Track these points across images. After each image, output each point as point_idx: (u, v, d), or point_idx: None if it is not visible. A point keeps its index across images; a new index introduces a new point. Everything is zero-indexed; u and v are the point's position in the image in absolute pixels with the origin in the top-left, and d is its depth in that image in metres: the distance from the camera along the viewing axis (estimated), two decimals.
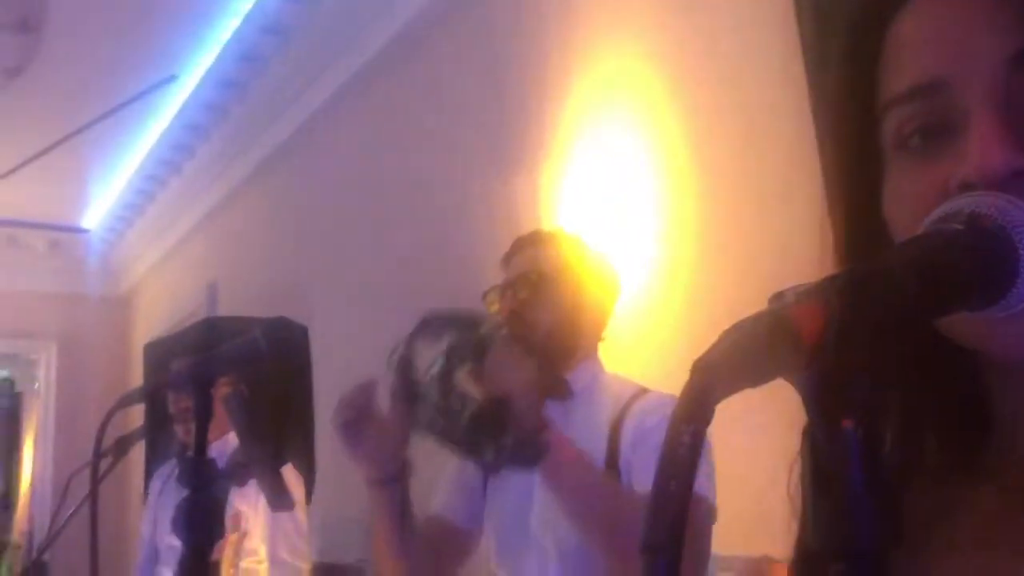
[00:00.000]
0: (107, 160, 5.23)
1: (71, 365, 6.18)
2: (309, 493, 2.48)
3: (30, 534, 5.82)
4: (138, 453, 2.93)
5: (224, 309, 4.59)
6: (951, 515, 0.48)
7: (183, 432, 2.31)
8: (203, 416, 1.20)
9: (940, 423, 0.49)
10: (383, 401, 1.33)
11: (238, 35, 3.98)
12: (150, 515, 2.61)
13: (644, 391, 1.48)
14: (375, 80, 3.54)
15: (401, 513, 1.39)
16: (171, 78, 4.37)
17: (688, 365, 0.33)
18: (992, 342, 0.44)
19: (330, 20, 3.62)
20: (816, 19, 1.69)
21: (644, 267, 2.16)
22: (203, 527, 1.11)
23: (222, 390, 1.47)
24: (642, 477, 1.34)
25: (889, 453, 0.45)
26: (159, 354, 3.62)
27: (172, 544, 2.22)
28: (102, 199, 5.81)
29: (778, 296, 0.35)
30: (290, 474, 2.26)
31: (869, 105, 0.50)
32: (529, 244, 1.60)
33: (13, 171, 4.96)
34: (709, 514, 1.32)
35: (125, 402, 1.27)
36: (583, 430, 1.42)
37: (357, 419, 1.33)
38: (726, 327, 0.34)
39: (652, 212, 2.22)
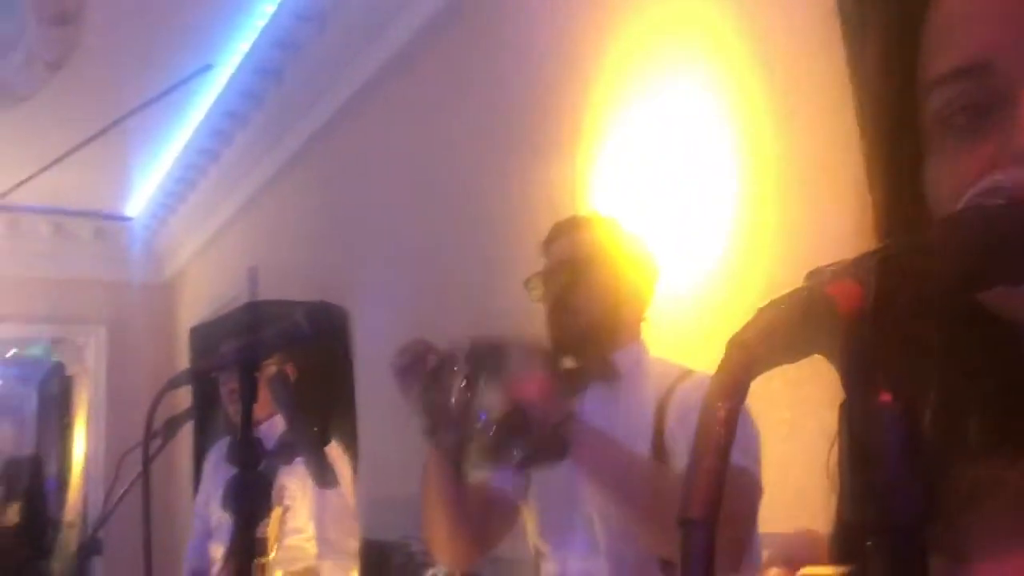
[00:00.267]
0: (148, 149, 5.31)
1: (119, 349, 6.31)
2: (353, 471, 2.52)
3: (84, 513, 5.98)
4: (186, 433, 3.00)
5: (265, 293, 4.65)
6: (991, 491, 0.47)
7: (234, 412, 2.36)
8: (248, 397, 1.23)
9: (982, 398, 0.48)
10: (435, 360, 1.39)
11: (274, 22, 4.01)
12: (203, 491, 2.67)
13: (689, 372, 1.49)
14: (411, 64, 3.54)
15: (456, 469, 1.43)
16: (208, 67, 4.42)
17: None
18: None
19: (364, 5, 3.63)
20: None
21: (683, 249, 2.15)
22: (251, 504, 1.15)
23: (267, 372, 1.50)
24: (685, 451, 1.34)
25: (929, 428, 0.45)
26: (204, 337, 3.69)
27: (223, 519, 2.27)
28: (144, 187, 5.91)
29: (815, 272, 0.35)
30: (337, 452, 2.30)
31: (910, 82, 0.49)
32: (568, 230, 1.62)
33: (57, 162, 5.06)
34: (753, 487, 1.31)
35: (173, 384, 1.30)
36: (630, 411, 1.43)
37: (413, 365, 1.38)
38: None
39: (685, 193, 2.21)
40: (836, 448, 0.34)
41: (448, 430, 1.28)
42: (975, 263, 0.37)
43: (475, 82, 3.16)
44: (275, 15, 3.96)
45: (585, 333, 1.50)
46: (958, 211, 0.41)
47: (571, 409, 1.32)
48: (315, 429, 1.35)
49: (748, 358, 0.32)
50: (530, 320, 1.68)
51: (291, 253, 4.69)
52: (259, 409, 1.25)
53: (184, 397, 2.42)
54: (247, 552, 1.21)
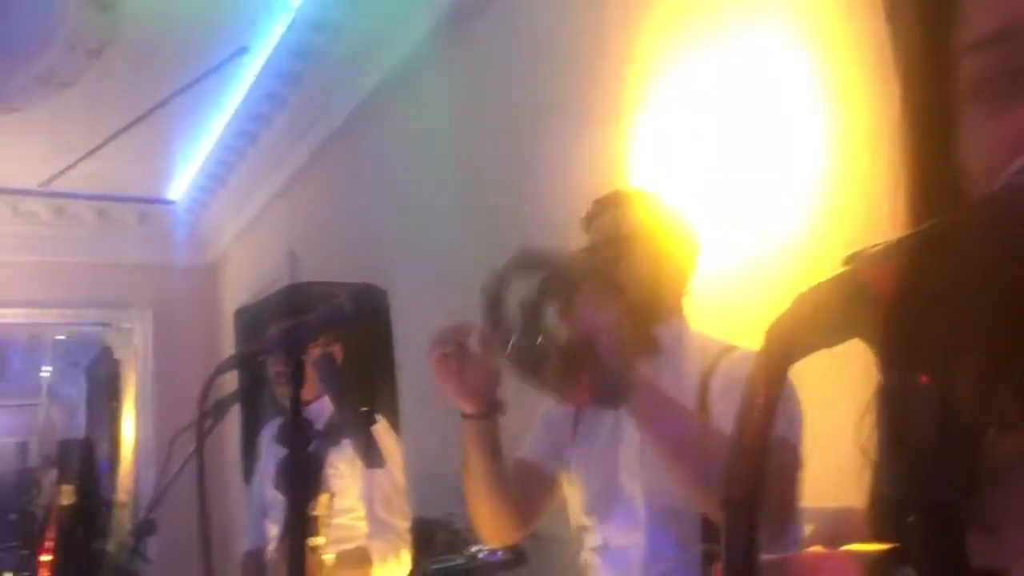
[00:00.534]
0: (188, 133, 5.38)
1: (165, 332, 6.43)
2: None
3: (136, 493, 6.13)
4: (233, 415, 3.05)
5: (305, 274, 4.70)
6: (1022, 465, 0.47)
7: (281, 394, 2.39)
8: (297, 379, 1.26)
9: (1017, 374, 0.48)
10: (476, 342, 1.38)
11: (309, 3, 4.02)
12: (259, 471, 2.71)
13: (732, 347, 1.50)
14: (449, 41, 3.52)
15: (493, 447, 1.45)
16: (244, 49, 4.45)
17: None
18: None
19: None
20: None
21: (724, 223, 2.13)
22: (301, 485, 1.17)
23: (313, 354, 1.53)
24: (728, 425, 1.34)
25: (965, 405, 0.45)
26: (249, 319, 3.75)
27: (276, 499, 2.32)
28: (185, 171, 5.99)
29: (855, 256, 0.35)
30: (386, 432, 2.33)
31: (944, 48, 0.48)
32: (610, 206, 1.62)
33: (99, 148, 5.14)
34: (795, 461, 1.31)
35: (224, 368, 1.34)
36: (673, 385, 1.44)
37: (452, 353, 1.38)
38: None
39: (729, 166, 2.19)
40: (867, 424, 0.35)
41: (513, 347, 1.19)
42: (1015, 243, 0.37)
43: (515, 58, 3.14)
44: None
45: (629, 308, 1.48)
46: (997, 190, 0.41)
47: (633, 356, 1.27)
48: (362, 409, 1.37)
49: (787, 345, 0.33)
50: None
51: (331, 234, 4.72)
52: (306, 391, 1.28)
53: (231, 379, 2.46)
54: (300, 532, 1.24)
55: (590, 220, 1.63)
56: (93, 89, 4.60)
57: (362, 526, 2.27)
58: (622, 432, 1.50)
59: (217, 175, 5.85)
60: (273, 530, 2.41)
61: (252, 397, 2.82)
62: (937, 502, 0.32)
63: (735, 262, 2.09)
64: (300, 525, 1.22)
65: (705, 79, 2.26)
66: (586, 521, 1.55)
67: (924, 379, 0.33)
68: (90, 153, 5.23)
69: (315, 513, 1.27)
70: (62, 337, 7.76)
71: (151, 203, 6.41)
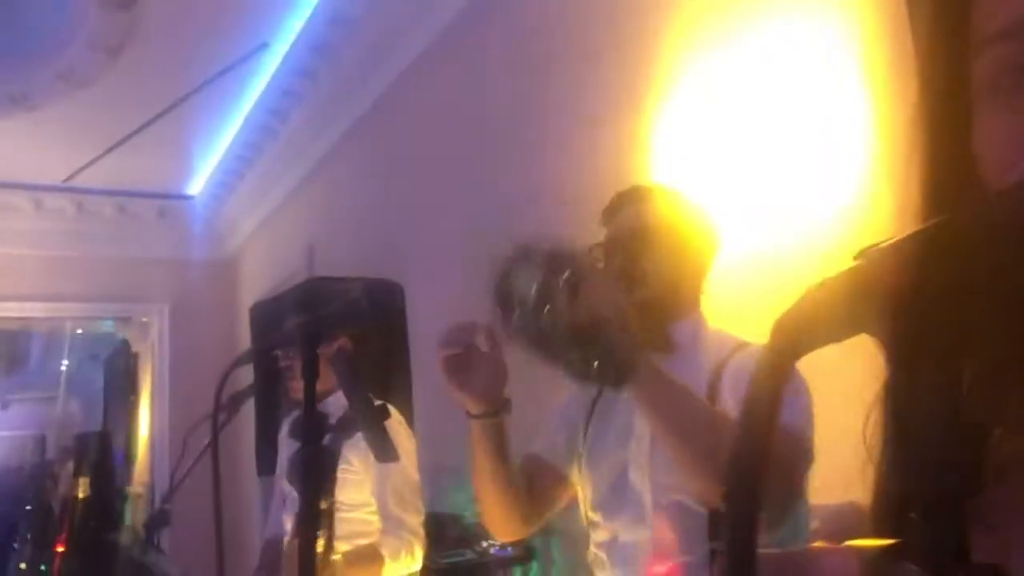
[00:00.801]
0: (207, 128, 5.41)
1: (182, 326, 6.47)
2: None
3: (151, 485, 6.17)
4: (248, 409, 3.07)
5: (323, 269, 4.72)
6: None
7: (294, 388, 2.40)
8: (311, 374, 1.27)
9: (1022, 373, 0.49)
10: (483, 342, 1.40)
11: (325, 1, 4.04)
12: (279, 463, 2.72)
13: (745, 344, 1.49)
14: (465, 35, 3.52)
15: (500, 446, 1.46)
16: (263, 46, 4.48)
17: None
18: None
19: None
20: None
21: (744, 219, 2.12)
22: (314, 478, 1.18)
23: (328, 348, 1.54)
24: (734, 411, 1.34)
25: (971, 401, 0.45)
26: (265, 314, 3.75)
27: (292, 491, 2.33)
28: (204, 166, 6.03)
29: (865, 252, 0.35)
30: (400, 426, 2.34)
31: (963, 40, 0.48)
32: (631, 200, 1.62)
33: (119, 144, 5.19)
34: (804, 453, 1.30)
35: (240, 362, 1.35)
36: (685, 379, 1.44)
37: (460, 353, 1.39)
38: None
39: (746, 163, 2.18)
40: (872, 421, 0.35)
41: (521, 318, 1.22)
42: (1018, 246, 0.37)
43: (533, 51, 3.13)
44: None
45: (647, 304, 1.50)
46: (1010, 187, 0.41)
47: (639, 342, 1.29)
48: (376, 403, 1.38)
49: (793, 338, 0.33)
50: None
51: (348, 229, 4.74)
52: (321, 384, 1.29)
53: (246, 372, 2.48)
54: (312, 525, 1.25)
55: (611, 214, 1.63)
56: (113, 87, 4.64)
57: (375, 521, 2.27)
58: (632, 428, 1.50)
59: (236, 170, 5.88)
60: (289, 522, 2.43)
61: (267, 391, 2.83)
62: (940, 498, 0.32)
63: (756, 257, 2.07)
64: (311, 518, 1.23)
65: (728, 74, 2.25)
66: (595, 516, 1.55)
67: (931, 376, 0.32)
68: (111, 149, 5.27)
69: (327, 507, 1.28)
70: (81, 331, 7.83)
71: (170, 198, 6.46)
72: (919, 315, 0.34)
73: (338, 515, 2.17)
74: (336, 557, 1.92)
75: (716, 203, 1.77)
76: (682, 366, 1.50)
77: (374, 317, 1.33)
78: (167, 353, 6.48)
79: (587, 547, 1.58)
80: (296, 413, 1.22)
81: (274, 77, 4.74)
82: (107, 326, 7.28)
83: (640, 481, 1.47)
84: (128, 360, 6.86)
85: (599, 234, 1.62)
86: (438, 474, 2.82)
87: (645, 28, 2.54)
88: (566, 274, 1.22)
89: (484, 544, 1.97)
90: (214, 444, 1.37)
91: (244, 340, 5.67)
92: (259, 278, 6.01)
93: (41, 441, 8.57)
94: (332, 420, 1.54)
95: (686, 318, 1.55)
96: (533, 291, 1.23)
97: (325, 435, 1.27)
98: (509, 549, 1.93)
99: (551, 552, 2.05)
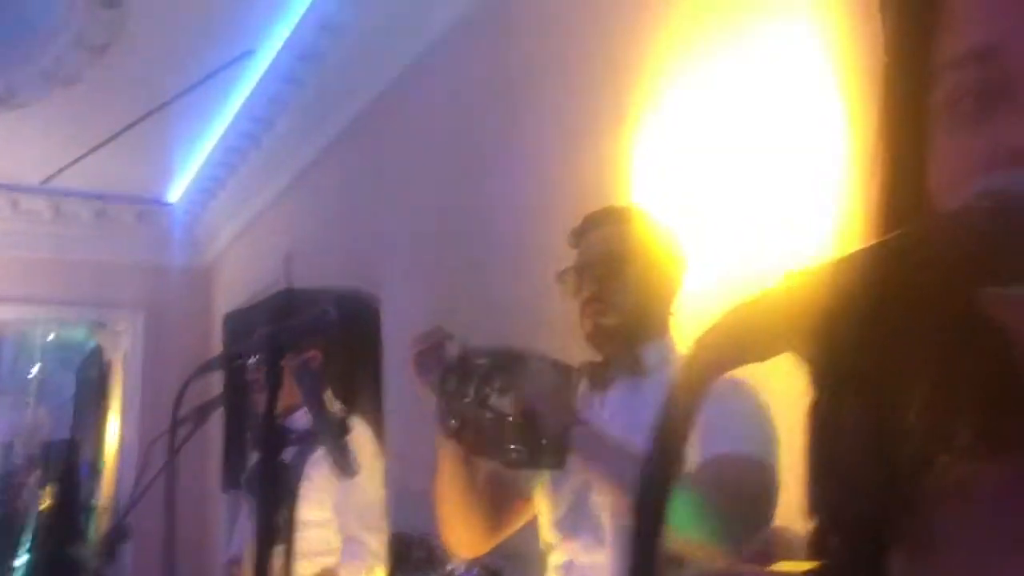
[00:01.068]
0: (190, 134, 5.37)
1: (156, 334, 6.39)
2: None
3: (116, 498, 6.07)
4: (217, 420, 3.01)
5: (301, 279, 4.68)
6: (968, 487, 0.47)
7: (257, 400, 2.35)
8: (273, 384, 1.23)
9: (972, 401, 0.47)
10: (453, 349, 1.47)
11: (314, 9, 4.03)
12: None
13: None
14: (448, 52, 3.54)
15: (465, 459, 1.47)
16: (248, 53, 4.45)
17: None
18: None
19: None
20: None
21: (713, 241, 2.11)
22: (271, 491, 1.14)
23: (293, 360, 1.50)
24: (703, 437, 1.35)
25: (913, 425, 0.44)
26: (238, 323, 3.71)
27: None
28: (185, 173, 5.98)
29: (792, 273, 0.35)
30: (366, 442, 2.29)
31: (923, 62, 0.48)
32: (602, 222, 1.62)
33: (99, 147, 5.13)
34: (768, 480, 1.31)
35: (201, 371, 1.30)
36: (654, 405, 1.41)
37: (430, 351, 1.43)
38: None
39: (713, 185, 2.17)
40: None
41: (461, 420, 1.34)
42: (963, 264, 0.37)
43: (515, 69, 3.14)
44: (314, 2, 3.98)
45: (617, 328, 1.52)
46: (946, 213, 0.41)
47: (576, 417, 1.38)
48: (337, 417, 1.35)
49: (713, 357, 0.33)
50: (556, 309, 1.67)
51: (328, 239, 4.71)
52: (288, 397, 1.25)
53: (218, 383, 2.43)
54: (267, 538, 1.21)
55: (579, 235, 1.64)
56: (97, 87, 4.59)
57: (336, 540, 2.22)
58: None
59: (217, 177, 5.84)
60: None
61: (237, 402, 2.78)
62: (859, 523, 0.31)
63: (730, 280, 2.06)
64: (268, 531, 1.19)
65: (708, 96, 2.25)
66: (553, 538, 1.55)
67: (852, 400, 0.32)
68: (92, 151, 5.22)
69: (283, 520, 1.24)
70: (53, 336, 7.72)
71: (150, 204, 6.40)
72: (842, 338, 0.34)
73: (298, 532, 2.11)
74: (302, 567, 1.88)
75: (690, 225, 1.76)
76: (651, 389, 1.49)
77: (343, 329, 1.30)
78: (139, 361, 6.39)
79: (544, 571, 1.57)
80: (257, 424, 1.19)
81: (259, 84, 4.72)
82: (80, 332, 7.19)
83: (601, 503, 1.47)
84: (100, 367, 6.77)
85: (567, 254, 1.62)
86: (408, 494, 2.77)
87: (628, 46, 2.53)
88: (504, 370, 1.35)
89: (449, 567, 1.94)
90: (170, 459, 1.32)
91: (218, 350, 5.60)
92: (236, 287, 5.95)
93: (8, 448, 8.43)
94: (295, 434, 1.50)
95: (656, 341, 1.56)
96: (473, 390, 1.36)
97: (284, 447, 1.23)
98: (475, 570, 1.89)
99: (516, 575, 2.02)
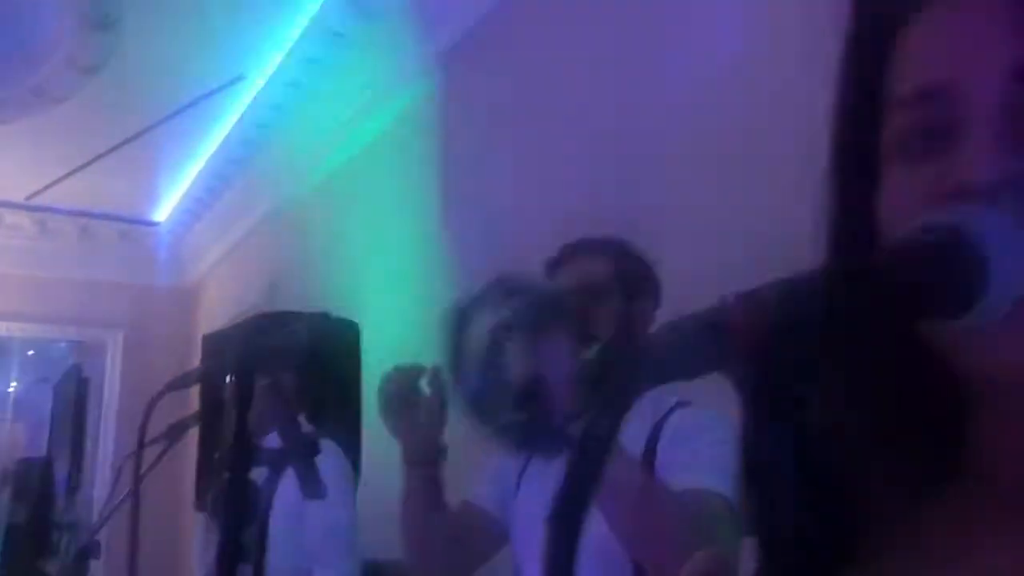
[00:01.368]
0: (177, 156, 5.39)
1: (136, 353, 6.36)
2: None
3: (91, 515, 6.00)
4: (193, 439, 3.00)
5: (285, 304, 4.67)
6: (921, 527, 0.47)
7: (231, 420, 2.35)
8: (243, 404, 1.25)
9: (917, 434, 0.48)
10: (426, 386, 1.40)
11: (305, 38, 4.07)
12: None
13: (685, 402, 1.49)
14: (437, 84, 3.58)
15: (433, 494, 1.43)
16: (239, 78, 4.49)
17: None
18: (967, 353, 0.44)
19: (392, 27, 3.69)
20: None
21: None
22: (235, 512, 1.16)
23: (264, 380, 1.51)
24: (676, 471, 1.34)
25: (856, 455, 0.45)
26: (216, 345, 3.71)
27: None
28: (172, 193, 5.98)
29: (726, 296, 0.36)
30: (339, 467, 2.28)
31: (874, 106, 0.50)
32: (580, 252, 1.61)
33: (87, 165, 5.14)
34: (719, 509, 1.27)
35: (169, 389, 1.32)
36: (624, 434, 1.43)
37: (400, 395, 1.39)
38: None
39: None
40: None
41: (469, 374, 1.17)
42: (904, 295, 0.37)
43: (495, 102, 3.19)
44: (307, 29, 4.02)
45: (592, 360, 1.51)
46: (891, 243, 0.42)
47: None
48: (306, 438, 1.36)
49: (638, 373, 0.33)
50: None
51: (311, 265, 4.72)
52: (264, 417, 1.27)
53: (193, 401, 2.43)
54: (232, 557, 1.22)
55: (556, 265, 1.62)
56: (86, 106, 4.61)
57: (306, 562, 2.20)
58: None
59: (204, 199, 5.85)
60: None
61: (213, 421, 2.77)
62: (783, 541, 0.32)
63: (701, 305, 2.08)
64: (233, 550, 1.20)
65: (679, 123, 2.29)
66: (519, 560, 1.53)
67: (780, 426, 0.32)
68: (78, 169, 5.22)
69: (248, 540, 1.25)
70: (32, 352, 7.66)
71: (135, 223, 6.40)
72: (770, 362, 0.34)
73: (269, 554, 2.11)
74: None
75: (664, 256, 1.78)
76: (624, 419, 1.49)
77: (318, 352, 1.31)
78: (118, 380, 6.35)
79: None
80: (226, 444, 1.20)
81: (249, 109, 4.75)
82: (59, 349, 7.15)
83: (596, 527, 1.46)
84: (78, 385, 6.70)
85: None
86: (382, 519, 2.76)
87: (598, 77, 2.58)
88: (521, 329, 1.17)
89: None
90: (135, 480, 1.33)
91: None
92: (218, 310, 5.94)
93: None
94: (264, 453, 1.51)
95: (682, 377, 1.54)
96: (482, 347, 1.17)
97: (251, 466, 1.24)
98: None
99: None
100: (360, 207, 4.22)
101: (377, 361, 3.63)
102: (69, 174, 5.28)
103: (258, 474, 2.18)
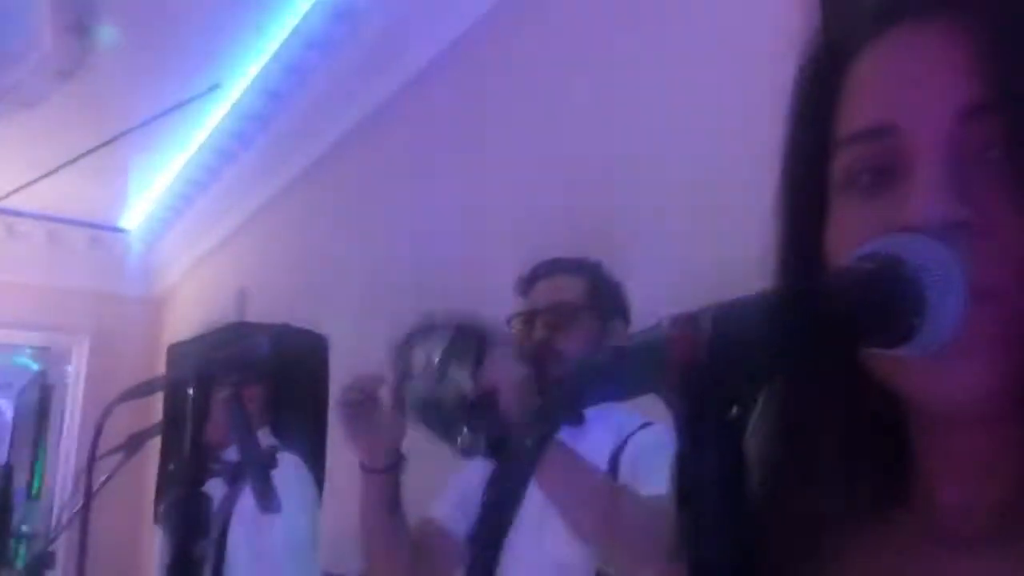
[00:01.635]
0: (150, 163, 5.35)
1: (101, 361, 6.27)
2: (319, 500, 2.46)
3: (49, 525, 5.91)
4: (154, 449, 2.97)
5: (255, 316, 4.65)
6: (864, 553, 0.48)
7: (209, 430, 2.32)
8: (199, 415, 1.23)
9: (861, 462, 0.49)
10: (386, 395, 1.39)
11: (283, 48, 4.07)
12: None
13: (649, 423, 1.50)
14: (408, 101, 3.59)
15: (391, 503, 1.44)
16: (215, 87, 4.47)
17: None
18: (906, 382, 0.44)
19: (371, 40, 3.69)
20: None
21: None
22: (186, 523, 1.14)
23: (224, 392, 1.50)
24: (646, 481, 1.34)
25: (795, 484, 0.46)
26: (181, 355, 3.68)
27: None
28: (143, 201, 5.93)
29: (667, 318, 0.36)
30: (300, 479, 2.26)
31: (823, 140, 0.51)
32: (553, 271, 1.62)
33: (58, 169, 5.09)
34: (658, 514, 1.30)
35: (123, 399, 1.30)
36: (588, 454, 1.44)
37: (360, 402, 1.39)
38: None
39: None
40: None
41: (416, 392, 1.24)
42: (842, 323, 0.38)
43: (467, 117, 3.20)
44: (286, 40, 4.02)
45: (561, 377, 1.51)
46: (831, 272, 0.42)
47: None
48: (263, 451, 1.35)
49: (567, 389, 0.34)
50: None
51: (282, 277, 4.69)
52: (225, 429, 1.25)
53: (156, 412, 2.40)
54: (182, 571, 1.20)
55: (527, 284, 1.64)
56: (59, 110, 4.57)
57: None
58: (525, 500, 1.48)
59: (175, 207, 5.81)
60: None
61: (175, 432, 2.74)
62: (708, 565, 0.32)
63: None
64: (182, 565, 1.18)
65: (650, 141, 2.30)
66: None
67: (707, 443, 0.32)
68: (49, 173, 5.16)
69: (199, 555, 1.23)
70: None
71: (105, 230, 6.33)
72: (702, 385, 0.34)
73: (227, 569, 2.09)
74: None
75: (634, 275, 1.79)
76: (589, 438, 1.50)
77: (284, 365, 1.30)
78: (82, 388, 6.27)
79: None
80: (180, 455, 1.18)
81: (224, 119, 4.73)
82: (23, 355, 7.04)
83: (531, 547, 1.46)
84: (42, 392, 6.62)
85: (516, 304, 1.63)
86: (348, 535, 2.74)
87: (571, 97, 2.59)
88: (471, 346, 1.24)
89: None
90: (87, 491, 1.31)
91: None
92: (186, 319, 5.89)
93: None
94: (219, 465, 1.49)
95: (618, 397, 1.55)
96: (436, 360, 1.24)
97: (206, 478, 1.23)
98: None
99: None
100: (333, 217, 4.21)
101: (347, 372, 3.62)
102: (39, 178, 5.22)
103: (217, 487, 2.16)
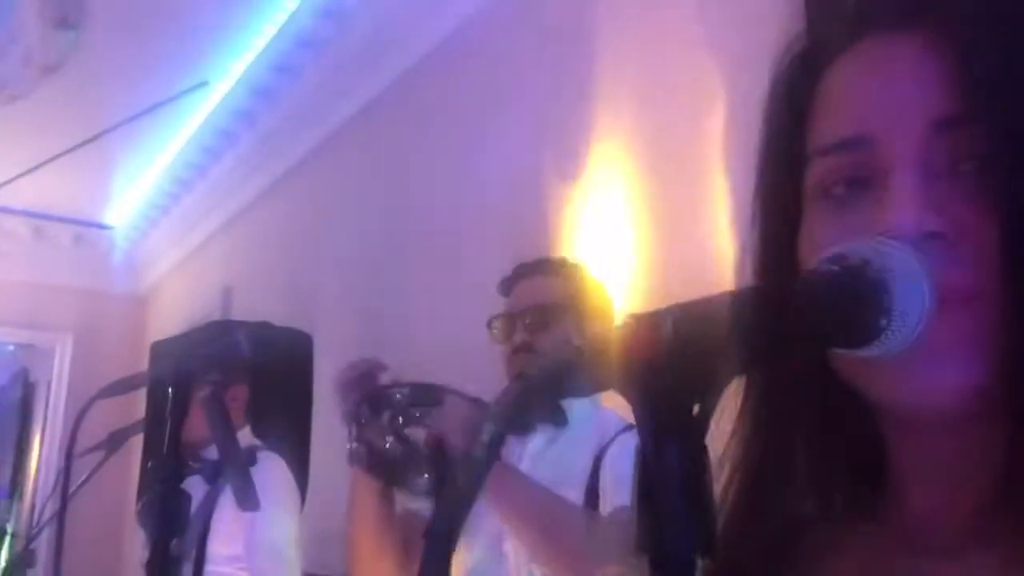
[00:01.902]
0: (136, 159, 5.32)
1: (85, 358, 6.22)
2: (302, 500, 2.45)
3: (32, 523, 5.88)
4: (136, 447, 2.95)
5: (240, 314, 4.63)
6: (842, 557, 0.48)
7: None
8: (177, 413, 1.23)
9: (835, 465, 0.49)
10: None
11: (270, 46, 4.06)
12: None
13: (631, 426, 1.50)
14: (395, 99, 3.59)
15: (383, 491, 1.44)
16: (203, 83, 4.45)
17: None
18: (875, 385, 0.44)
19: (359, 38, 3.69)
20: None
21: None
22: (164, 521, 1.14)
23: (203, 390, 1.49)
24: (612, 492, 1.36)
25: (783, 489, 0.46)
26: (165, 352, 3.65)
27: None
28: (128, 197, 5.90)
29: (631, 316, 0.36)
30: (281, 478, 2.25)
31: (797, 150, 0.51)
32: (535, 272, 1.63)
33: (43, 165, 5.05)
34: (611, 527, 1.32)
35: (100, 396, 1.29)
36: (571, 455, 1.45)
37: (358, 380, 1.43)
38: None
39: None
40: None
41: (368, 447, 1.34)
42: (810, 325, 0.38)
43: (455, 119, 3.20)
44: (274, 38, 4.01)
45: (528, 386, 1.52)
46: (800, 275, 0.42)
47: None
48: (242, 448, 1.34)
49: (527, 387, 0.34)
50: (483, 352, 1.69)
51: (267, 275, 4.68)
52: (205, 428, 1.26)
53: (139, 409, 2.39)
54: (159, 569, 1.20)
55: (511, 284, 1.64)
56: (44, 105, 4.55)
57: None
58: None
59: (161, 204, 5.78)
60: None
61: (158, 431, 2.72)
62: (671, 560, 0.32)
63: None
64: (159, 562, 1.18)
65: (640, 149, 2.31)
66: None
67: (667, 441, 0.33)
68: (33, 169, 5.13)
69: (177, 553, 1.23)
70: None
71: (90, 226, 6.29)
72: (659, 382, 0.34)
73: (208, 568, 2.08)
74: None
75: (620, 280, 1.79)
76: (570, 440, 1.50)
77: (258, 363, 1.30)
78: (65, 385, 6.23)
79: None
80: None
81: (211, 116, 4.71)
82: (6, 352, 6.99)
83: (514, 551, 1.46)
84: (25, 389, 6.58)
85: (497, 302, 1.64)
86: (331, 534, 2.73)
87: (562, 101, 2.59)
88: (415, 409, 1.37)
89: None
90: (63, 495, 1.31)
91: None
92: (171, 317, 5.86)
93: None
94: (199, 464, 1.49)
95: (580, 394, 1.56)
96: (385, 420, 1.36)
97: (184, 476, 1.22)
98: None
99: None
100: (318, 216, 4.20)
101: (329, 375, 3.61)
102: (23, 174, 5.18)
103: (197, 485, 2.15)
